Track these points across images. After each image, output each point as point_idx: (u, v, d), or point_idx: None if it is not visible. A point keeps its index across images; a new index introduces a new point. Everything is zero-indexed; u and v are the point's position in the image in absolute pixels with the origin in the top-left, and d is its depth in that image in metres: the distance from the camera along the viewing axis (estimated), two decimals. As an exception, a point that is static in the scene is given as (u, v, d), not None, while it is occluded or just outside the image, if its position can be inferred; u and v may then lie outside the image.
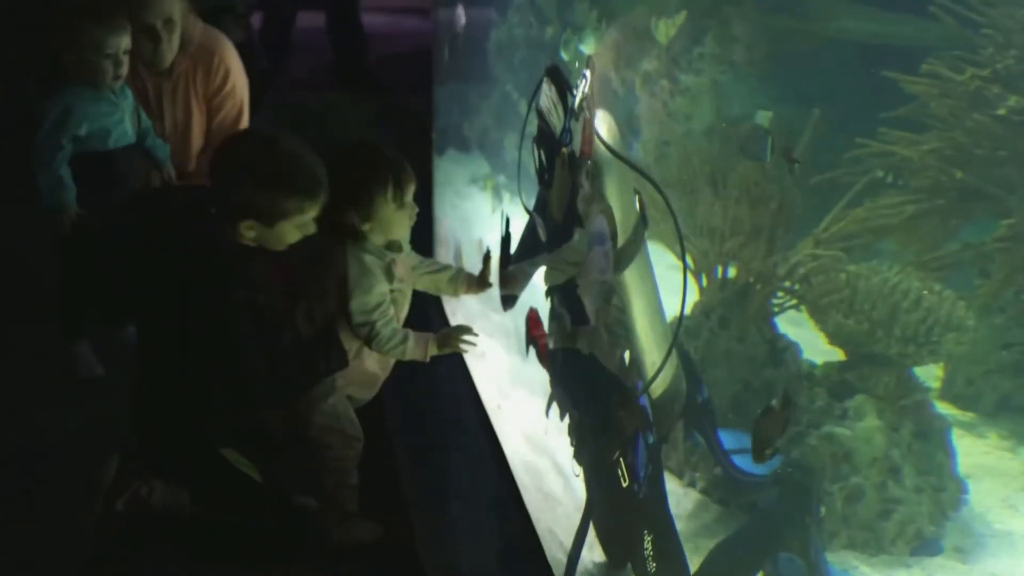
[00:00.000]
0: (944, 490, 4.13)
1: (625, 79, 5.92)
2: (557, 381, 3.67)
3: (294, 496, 3.69)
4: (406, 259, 3.46)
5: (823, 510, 3.90)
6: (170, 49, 4.40)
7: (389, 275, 3.32)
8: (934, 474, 4.15)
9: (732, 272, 4.57)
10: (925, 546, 4.08)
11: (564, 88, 3.33)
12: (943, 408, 4.52)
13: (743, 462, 4.26)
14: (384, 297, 3.32)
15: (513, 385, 5.11)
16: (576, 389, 3.60)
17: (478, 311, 5.47)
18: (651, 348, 3.44)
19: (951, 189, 4.54)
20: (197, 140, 4.66)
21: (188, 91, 4.56)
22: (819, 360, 4.48)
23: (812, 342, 4.50)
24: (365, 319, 3.29)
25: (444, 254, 6.12)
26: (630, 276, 3.35)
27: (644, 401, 3.47)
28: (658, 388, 3.52)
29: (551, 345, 3.64)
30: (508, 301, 3.67)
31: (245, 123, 4.80)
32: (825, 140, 4.53)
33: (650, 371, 3.45)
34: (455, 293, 3.67)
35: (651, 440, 3.45)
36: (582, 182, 3.28)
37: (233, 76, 4.66)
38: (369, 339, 3.33)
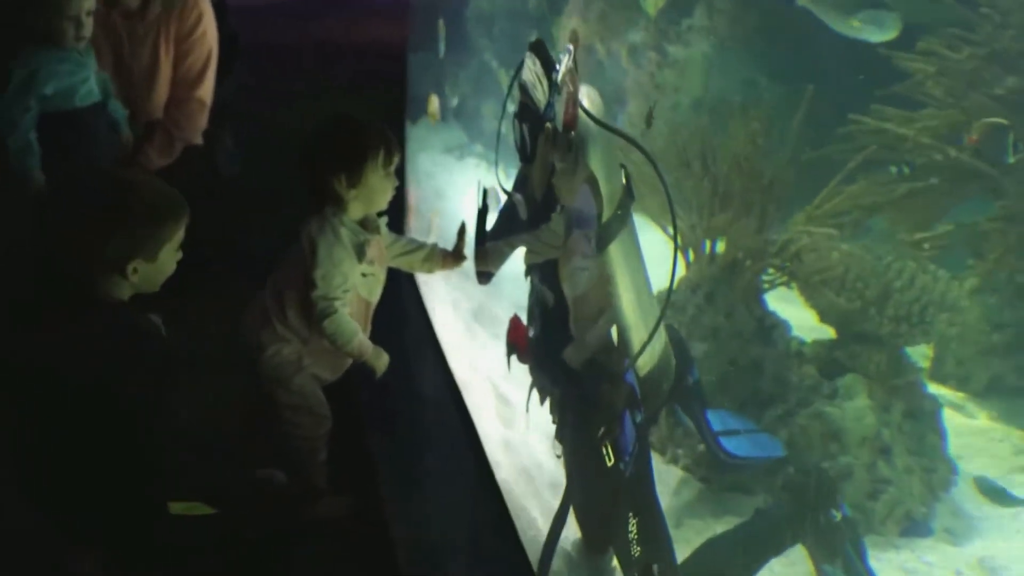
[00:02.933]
0: (935, 471, 4.10)
1: (611, 50, 5.83)
2: (538, 364, 3.59)
3: (259, 470, 3.60)
4: (381, 239, 3.38)
5: (848, 508, 3.81)
6: None
7: (360, 253, 3.24)
8: (925, 455, 4.12)
9: (720, 247, 4.50)
10: (915, 527, 4.05)
11: (549, 63, 3.26)
12: (933, 388, 4.48)
13: (731, 444, 4.23)
14: (349, 277, 3.23)
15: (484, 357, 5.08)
16: (559, 366, 3.52)
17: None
18: (637, 324, 3.35)
19: (945, 168, 4.50)
20: (163, 88, 4.52)
21: (159, 35, 4.43)
22: (808, 338, 4.43)
23: (802, 320, 4.46)
24: (325, 291, 3.20)
25: (414, 223, 6.01)
26: (616, 250, 3.26)
27: (631, 378, 3.42)
28: (646, 365, 3.43)
29: (532, 331, 3.57)
30: (484, 276, 3.60)
31: (211, 79, 4.65)
32: (816, 116, 4.49)
33: (637, 347, 3.38)
34: (430, 270, 3.59)
35: (639, 418, 3.40)
36: (561, 154, 3.20)
37: (205, 22, 4.53)
38: (323, 316, 3.23)
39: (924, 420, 4.18)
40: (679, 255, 5.03)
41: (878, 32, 4.14)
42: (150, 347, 2.92)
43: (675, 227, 3.57)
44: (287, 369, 3.35)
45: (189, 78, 4.53)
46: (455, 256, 3.52)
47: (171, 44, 4.48)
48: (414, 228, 5.82)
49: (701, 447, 4.36)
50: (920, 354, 4.62)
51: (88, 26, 4.03)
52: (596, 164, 3.13)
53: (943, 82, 4.43)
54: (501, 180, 3.72)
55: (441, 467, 4.25)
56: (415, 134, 7.22)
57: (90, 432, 2.85)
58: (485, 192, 3.64)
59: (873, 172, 4.56)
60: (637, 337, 3.31)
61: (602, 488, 3.37)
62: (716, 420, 4.18)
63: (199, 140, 4.64)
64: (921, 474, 4.07)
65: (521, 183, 3.57)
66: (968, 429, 4.58)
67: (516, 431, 4.60)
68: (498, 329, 5.30)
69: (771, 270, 4.36)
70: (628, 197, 3.22)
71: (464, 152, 9.11)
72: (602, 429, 3.29)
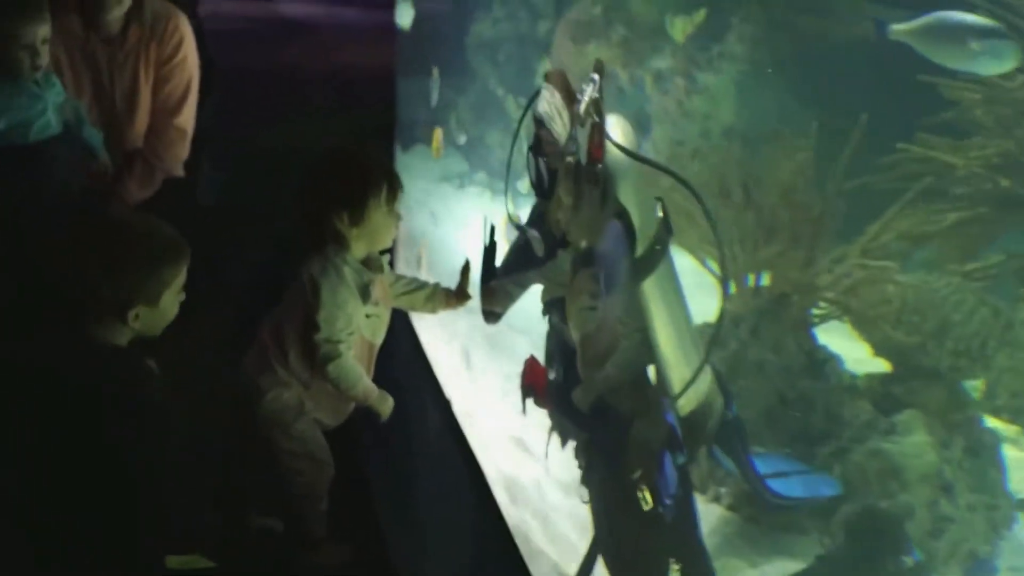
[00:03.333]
0: (997, 508, 3.99)
1: (634, 77, 5.75)
2: (561, 408, 3.44)
3: (256, 518, 3.46)
4: (384, 278, 3.26)
5: (918, 552, 3.70)
6: (119, 6, 4.17)
7: (365, 294, 3.13)
8: (986, 491, 4.01)
9: (765, 280, 4.40)
10: (979, 567, 3.94)
11: (570, 93, 3.15)
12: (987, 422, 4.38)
13: (780, 485, 4.11)
14: (353, 319, 3.11)
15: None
16: (567, 401, 3.40)
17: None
18: (678, 362, 3.23)
19: (994, 197, 4.42)
20: (143, 116, 4.39)
21: (139, 60, 4.30)
22: (861, 372, 4.33)
23: (854, 354, 4.35)
24: (329, 335, 3.07)
25: (402, 252, 5.88)
26: (651, 286, 3.16)
27: (671, 418, 3.31)
28: (688, 404, 3.31)
29: (552, 374, 3.43)
30: (491, 316, 3.47)
31: (191, 107, 4.51)
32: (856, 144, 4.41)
33: (677, 385, 3.26)
34: (432, 311, 3.45)
35: (680, 460, 3.26)
36: (586, 189, 3.09)
37: (185, 47, 4.40)
38: (327, 360, 3.10)
39: (984, 455, 4.08)
40: (717, 287, 5.02)
41: (996, 64, 3.98)
42: (147, 397, 2.81)
43: (723, 262, 3.48)
44: (288, 414, 3.24)
45: (169, 105, 4.41)
46: (459, 296, 3.39)
47: (151, 70, 4.36)
48: (401, 258, 5.67)
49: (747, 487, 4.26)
50: (970, 387, 4.52)
51: (44, 55, 3.88)
52: (627, 198, 3.03)
53: (994, 111, 4.33)
54: (511, 212, 3.59)
55: (447, 513, 4.11)
56: (406, 162, 7.10)
57: (81, 481, 2.72)
58: (493, 229, 3.51)
59: (919, 202, 4.49)
60: (677, 375, 3.20)
61: (638, 534, 3.24)
62: (764, 464, 4.08)
63: (180, 172, 4.50)
64: (984, 511, 3.96)
65: (537, 219, 3.45)
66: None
67: (530, 474, 4.49)
68: (503, 367, 5.25)
69: (823, 304, 4.26)
70: (666, 231, 3.12)
71: (465, 181, 8.95)
72: (638, 472, 3.17)
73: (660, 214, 3.12)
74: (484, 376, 5.34)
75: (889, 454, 4.01)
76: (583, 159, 3.04)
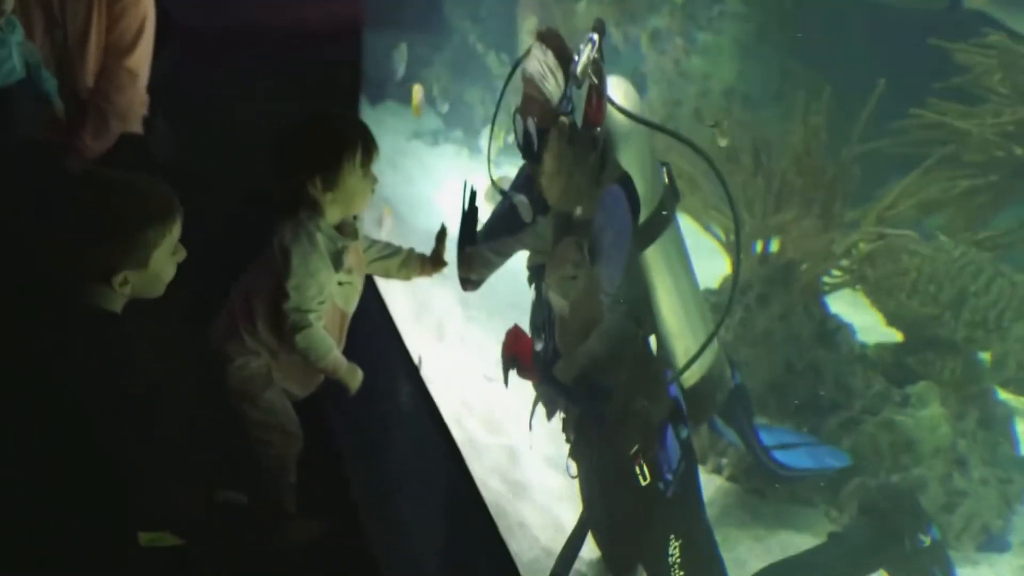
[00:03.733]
0: (1011, 482, 3.93)
1: (628, 35, 5.58)
2: (548, 380, 3.22)
3: (221, 491, 3.30)
4: (358, 244, 3.09)
5: (936, 530, 3.61)
6: None
7: (337, 262, 2.94)
8: (999, 465, 3.96)
9: (774, 247, 4.29)
10: (991, 542, 3.88)
11: (564, 53, 2.99)
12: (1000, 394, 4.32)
13: (786, 456, 4.02)
14: (325, 288, 2.95)
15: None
16: (577, 382, 3.26)
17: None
18: (682, 332, 3.10)
19: (1007, 165, 4.33)
20: (95, 55, 4.15)
21: None
22: (873, 342, 4.23)
23: (866, 323, 4.26)
24: (299, 304, 2.90)
25: (366, 214, 5.69)
26: (656, 253, 3.01)
27: (675, 391, 3.19)
28: (693, 375, 3.17)
29: (539, 344, 3.25)
30: (468, 284, 3.28)
31: (143, 50, 4.26)
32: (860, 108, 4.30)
33: (681, 356, 3.12)
34: (407, 277, 3.21)
35: (684, 434, 3.11)
36: (582, 153, 2.95)
37: None
38: (296, 330, 2.93)
39: (997, 428, 4.01)
40: (724, 253, 4.91)
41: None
42: (124, 365, 2.62)
43: (738, 229, 3.34)
44: (256, 383, 3.04)
45: (121, 45, 4.14)
46: (434, 262, 3.18)
47: (104, 3, 4.11)
48: (364, 219, 5.46)
49: (750, 458, 4.16)
50: (984, 359, 4.45)
51: (10, 1, 3.66)
52: (630, 162, 2.88)
53: (1010, 77, 4.23)
54: (494, 176, 3.41)
55: (420, 487, 3.94)
56: (376, 118, 6.88)
57: (58, 452, 2.56)
58: (473, 192, 3.33)
59: (931, 169, 4.39)
60: (681, 346, 3.07)
61: (633, 509, 3.10)
62: (770, 436, 3.97)
63: (136, 127, 4.26)
64: (997, 485, 3.90)
65: (523, 182, 3.28)
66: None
67: (507, 446, 4.38)
68: (478, 335, 5.15)
69: (836, 272, 4.15)
70: (672, 196, 2.99)
71: (439, 138, 8.77)
72: (635, 447, 3.04)
73: (666, 179, 3.00)
74: (460, 344, 5.24)
75: (902, 426, 3.93)
76: (579, 121, 2.91)
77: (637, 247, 2.92)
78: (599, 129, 2.85)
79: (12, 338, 2.59)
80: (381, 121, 7.07)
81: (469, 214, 3.26)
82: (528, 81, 2.94)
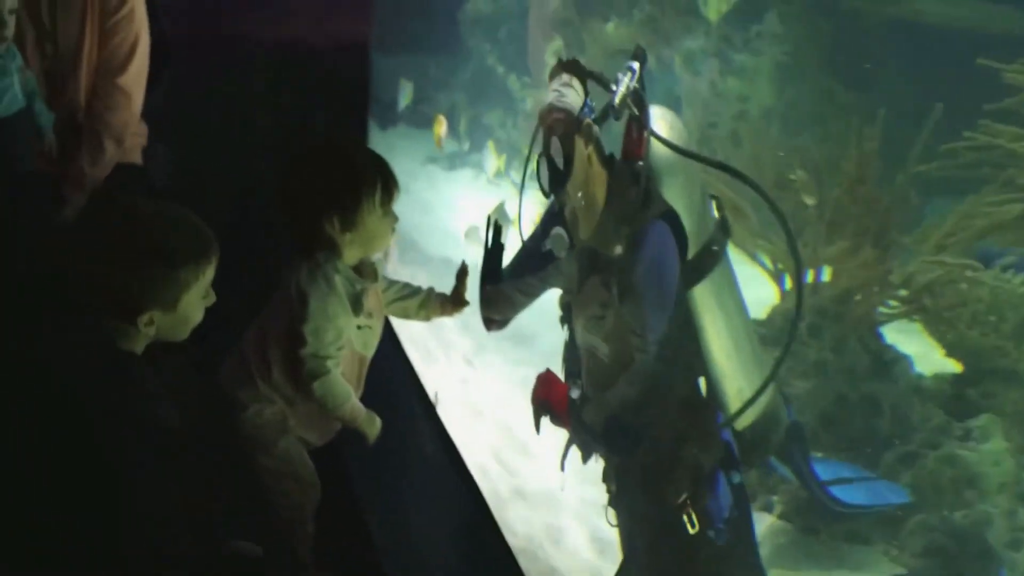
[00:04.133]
0: (1075, 518, 3.81)
1: (661, 57, 5.48)
2: (586, 427, 3.03)
3: (232, 542, 3.16)
4: (377, 286, 2.96)
5: (1007, 572, 3.49)
6: None
7: (357, 306, 2.79)
8: (1063, 500, 3.84)
9: (826, 276, 4.18)
10: (1058, 580, 3.76)
11: (577, 68, 2.87)
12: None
13: (843, 492, 3.90)
14: (344, 332, 2.81)
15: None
16: (621, 430, 3.10)
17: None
18: (734, 373, 2.97)
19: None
20: (87, 74, 4.04)
21: (84, 8, 3.95)
22: (931, 374, 4.12)
23: (921, 355, 4.14)
24: (316, 350, 2.75)
25: None
26: (704, 292, 2.90)
27: (727, 435, 3.03)
28: (747, 417, 3.03)
29: (575, 391, 3.01)
30: (490, 324, 3.17)
31: (137, 68, 4.14)
32: (905, 131, 4.20)
33: (734, 398, 2.99)
34: (426, 318, 3.05)
35: (736, 479, 2.99)
36: (624, 187, 2.83)
37: (132, 1, 4.07)
38: (313, 377, 2.79)
39: (1060, 462, 3.90)
40: (772, 283, 4.79)
41: None
42: (140, 408, 2.48)
43: (798, 263, 3.17)
44: (270, 432, 2.88)
45: (114, 63, 4.00)
46: (455, 302, 3.00)
47: (96, 19, 3.99)
48: None
49: (803, 494, 4.04)
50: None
51: (10, 26, 3.55)
52: (676, 197, 2.76)
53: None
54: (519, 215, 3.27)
55: (443, 535, 3.81)
56: (386, 141, 6.73)
57: (68, 485, 2.43)
58: (498, 227, 3.19)
59: (985, 193, 4.29)
60: (733, 387, 2.95)
61: (680, 558, 2.98)
62: (825, 471, 3.85)
63: (135, 156, 4.14)
64: (1063, 521, 3.79)
65: (551, 217, 3.15)
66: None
67: (536, 491, 4.29)
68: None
69: (893, 302, 4.03)
70: (722, 231, 2.87)
71: (455, 163, 8.71)
72: (684, 495, 2.92)
73: (716, 213, 2.89)
74: (483, 384, 5.15)
75: (965, 461, 3.81)
76: (618, 155, 2.78)
77: (685, 285, 2.80)
78: (641, 163, 2.73)
79: (25, 369, 2.46)
80: (393, 145, 6.93)
81: (493, 250, 3.12)
82: (547, 112, 2.81)
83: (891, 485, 4.03)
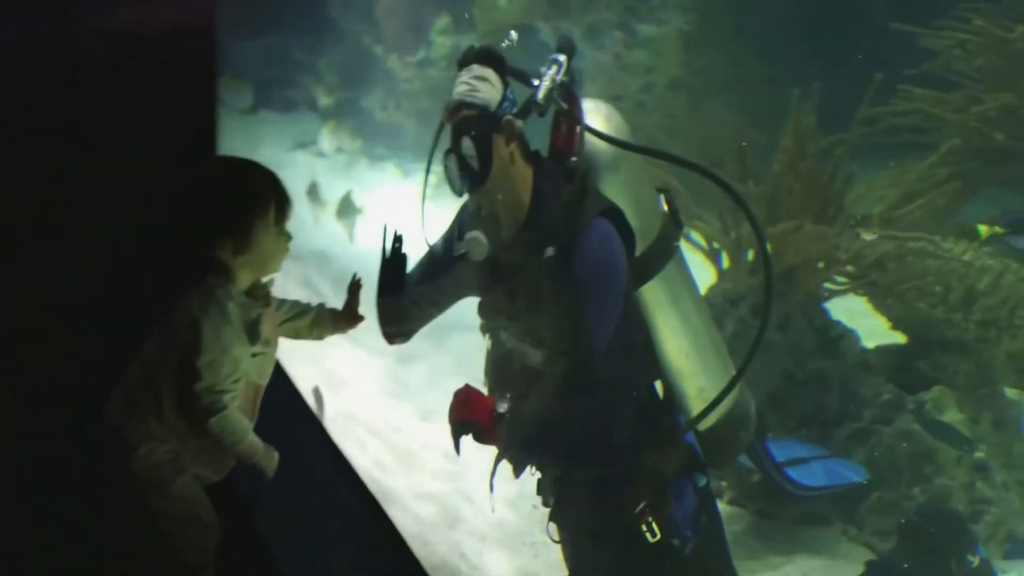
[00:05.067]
0: (1030, 484, 3.85)
1: (559, 30, 5.26)
2: (522, 441, 2.72)
3: None
4: (271, 311, 2.73)
5: (983, 549, 3.46)
6: None
7: (253, 334, 2.58)
8: (1017, 467, 3.87)
9: (766, 255, 4.07)
10: (1017, 547, 3.78)
11: (492, 57, 2.68)
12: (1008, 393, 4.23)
13: (800, 474, 3.82)
14: (239, 364, 2.59)
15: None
16: (552, 435, 2.92)
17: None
18: (693, 372, 2.77)
19: (983, 152, 4.23)
20: None
21: None
22: (875, 347, 4.08)
23: (866, 328, 4.10)
24: (212, 384, 2.53)
25: None
26: (655, 289, 2.73)
27: (690, 437, 2.82)
28: (712, 418, 2.79)
29: (503, 404, 2.88)
30: (394, 337, 2.92)
31: None
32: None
33: (695, 399, 2.78)
34: (320, 337, 2.82)
35: (702, 483, 2.80)
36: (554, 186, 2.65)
37: None
38: (209, 414, 2.57)
39: (1008, 429, 3.92)
40: (707, 264, 4.66)
41: None
42: None
43: (764, 249, 3.03)
44: (164, 471, 2.67)
45: None
46: (349, 318, 2.82)
47: None
48: None
49: (755, 479, 3.95)
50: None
51: None
52: (618, 192, 2.59)
53: (991, 61, 4.11)
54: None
55: (353, 562, 3.61)
56: (241, 130, 6.33)
57: None
58: (397, 237, 2.94)
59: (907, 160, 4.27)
60: (694, 387, 2.79)
61: (641, 570, 2.85)
62: (780, 451, 3.78)
63: None
64: (1018, 489, 3.82)
65: (467, 218, 2.93)
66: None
67: (450, 508, 4.18)
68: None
69: (840, 278, 3.95)
70: (674, 226, 2.69)
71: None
72: (641, 504, 2.77)
73: (664, 207, 2.72)
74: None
75: (920, 435, 3.78)
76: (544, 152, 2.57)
77: (634, 283, 2.62)
78: (575, 159, 2.54)
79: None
80: (256, 132, 6.52)
81: (392, 260, 2.87)
82: (456, 108, 2.58)
83: (847, 463, 3.97)
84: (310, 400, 4.31)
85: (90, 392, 2.81)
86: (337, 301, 2.76)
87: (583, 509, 2.79)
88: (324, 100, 7.48)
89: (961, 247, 3.89)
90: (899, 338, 4.04)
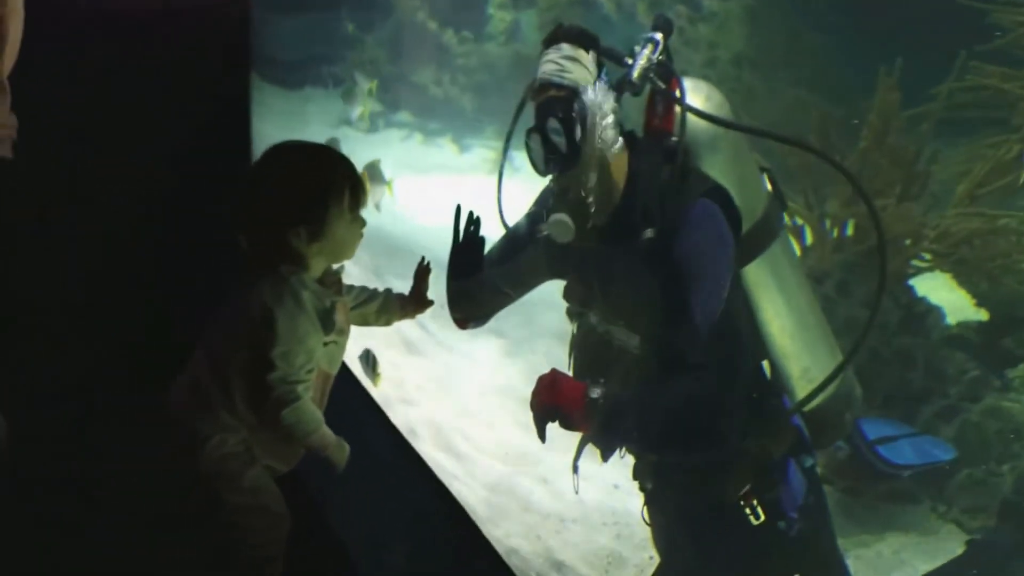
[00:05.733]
0: (1118, 461, 3.87)
1: (622, 4, 5.18)
2: (617, 428, 2.63)
3: None
4: (345, 299, 2.69)
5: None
6: None
7: (327, 322, 2.53)
8: (1104, 445, 3.88)
9: (849, 231, 4.06)
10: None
11: (584, 38, 2.64)
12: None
13: (890, 452, 3.83)
14: (313, 354, 2.55)
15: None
16: (656, 424, 2.88)
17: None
18: (798, 352, 2.77)
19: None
20: None
21: None
22: (960, 325, 4.08)
23: (951, 305, 4.10)
24: (285, 374, 2.48)
25: None
26: (759, 270, 2.71)
27: (796, 419, 2.80)
28: (818, 398, 2.75)
29: (596, 390, 2.56)
30: (466, 323, 2.94)
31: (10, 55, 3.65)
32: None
33: (800, 379, 2.78)
34: (387, 323, 2.81)
35: (808, 463, 2.80)
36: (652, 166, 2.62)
37: None
38: (282, 405, 2.52)
39: (1094, 406, 3.94)
40: (795, 241, 4.61)
41: None
42: None
43: (880, 232, 2.95)
44: (236, 463, 2.63)
45: None
46: (418, 302, 2.77)
47: None
48: None
49: (841, 453, 3.95)
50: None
51: None
52: (721, 172, 2.57)
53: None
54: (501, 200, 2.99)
55: (426, 555, 3.55)
56: (290, 107, 6.20)
57: None
58: (474, 219, 2.88)
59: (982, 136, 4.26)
60: (798, 367, 2.77)
61: (744, 554, 2.77)
62: (871, 429, 3.77)
63: (5, 150, 3.61)
64: (1106, 465, 3.84)
65: (551, 200, 2.89)
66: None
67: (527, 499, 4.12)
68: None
69: (927, 255, 3.95)
70: (777, 204, 2.68)
71: (378, 123, 8.16)
72: (746, 487, 2.76)
73: (768, 186, 2.70)
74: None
75: (1010, 412, 3.79)
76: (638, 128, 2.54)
77: (739, 264, 2.60)
78: (675, 139, 2.51)
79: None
80: (301, 111, 6.40)
81: (466, 243, 2.83)
82: (542, 88, 2.53)
83: (935, 440, 3.97)
84: (357, 368, 4.23)
85: (90, 392, 2.79)
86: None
87: (684, 493, 2.78)
88: (362, 78, 7.39)
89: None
90: (983, 315, 4.04)
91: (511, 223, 2.84)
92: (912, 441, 3.97)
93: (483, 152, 7.35)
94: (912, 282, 4.09)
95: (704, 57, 5.08)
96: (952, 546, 3.78)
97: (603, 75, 2.50)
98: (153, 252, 3.82)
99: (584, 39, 2.50)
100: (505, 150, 2.86)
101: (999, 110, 4.36)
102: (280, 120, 5.85)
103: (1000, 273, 3.84)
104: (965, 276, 3.97)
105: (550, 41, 2.54)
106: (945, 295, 4.13)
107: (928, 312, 4.06)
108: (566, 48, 2.52)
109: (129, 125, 4.05)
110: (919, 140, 3.95)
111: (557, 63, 2.53)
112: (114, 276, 3.67)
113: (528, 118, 2.58)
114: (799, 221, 4.20)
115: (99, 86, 4.53)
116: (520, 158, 2.59)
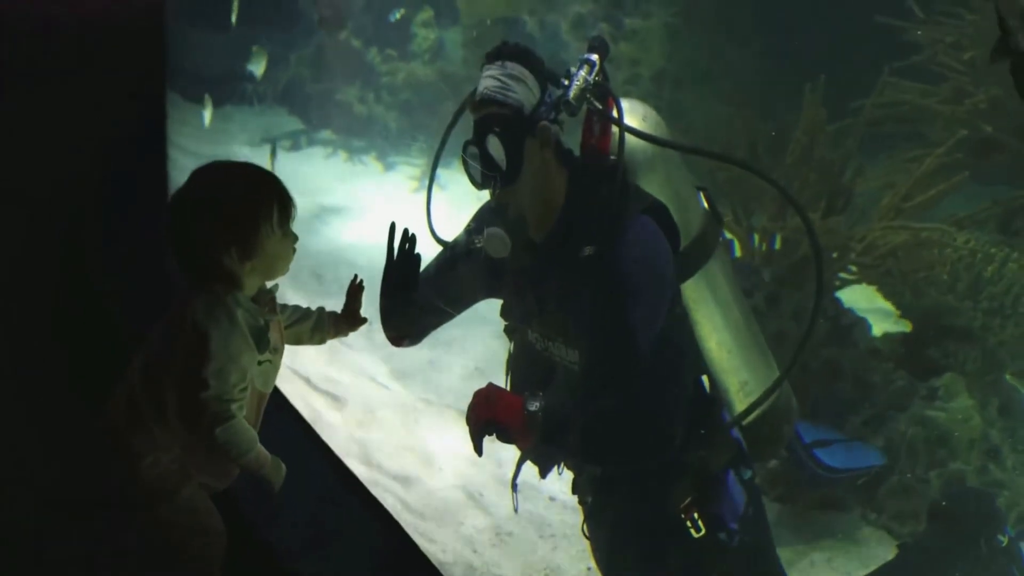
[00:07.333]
0: (1040, 467, 3.99)
1: (545, 23, 5.20)
2: (555, 441, 2.62)
3: None
4: (279, 318, 2.69)
5: (1011, 528, 3.57)
6: None
7: (261, 341, 2.54)
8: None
9: (778, 245, 4.13)
10: (1027, 530, 3.93)
11: (531, 59, 2.68)
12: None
13: (826, 456, 3.89)
14: (247, 373, 2.55)
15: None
16: (597, 436, 2.69)
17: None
18: (736, 367, 2.83)
19: (969, 142, 4.36)
20: None
21: None
22: (879, 332, 4.18)
23: (874, 317, 4.19)
24: (219, 392, 2.47)
25: None
26: (696, 285, 2.74)
27: (735, 432, 2.83)
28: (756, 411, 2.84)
29: (534, 403, 2.54)
30: (401, 341, 2.93)
31: None
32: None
33: (737, 393, 2.83)
34: (321, 341, 2.78)
35: (747, 475, 2.82)
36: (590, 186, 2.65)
37: None
38: (216, 424, 2.51)
39: (1015, 413, 4.06)
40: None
41: None
42: None
43: (817, 248, 2.98)
44: (171, 480, 2.62)
45: None
46: (351, 321, 2.76)
47: None
48: None
49: (773, 464, 4.01)
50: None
51: None
52: (657, 190, 2.60)
53: (979, 54, 4.25)
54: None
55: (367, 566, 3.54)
56: (187, 119, 6.09)
57: None
58: (410, 236, 2.87)
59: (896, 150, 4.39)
60: (735, 382, 2.84)
61: (685, 566, 2.79)
62: (807, 433, 3.84)
63: None
64: (1026, 471, 3.96)
65: (488, 217, 2.91)
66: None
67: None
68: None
69: (853, 267, 4.03)
70: (714, 221, 2.73)
71: (301, 141, 8.08)
72: (687, 500, 2.80)
73: (704, 204, 2.74)
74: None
75: (936, 421, 3.89)
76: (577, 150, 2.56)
77: (678, 279, 2.62)
78: (613, 158, 2.54)
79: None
80: (223, 129, 6.30)
81: (401, 260, 2.81)
82: (482, 102, 2.55)
83: (865, 447, 4.07)
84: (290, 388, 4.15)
85: (90, 392, 2.71)
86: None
87: (625, 506, 2.79)
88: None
89: (963, 236, 4.01)
90: (908, 326, 4.14)
91: (443, 237, 2.82)
92: (844, 446, 4.06)
93: (408, 169, 7.34)
94: (839, 294, 4.18)
95: (626, 75, 5.13)
96: (883, 552, 3.86)
97: (548, 98, 2.51)
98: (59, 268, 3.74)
99: (529, 59, 2.49)
100: (434, 166, 2.85)
101: (918, 124, 4.50)
102: (203, 136, 5.77)
103: (924, 285, 3.94)
104: (890, 288, 4.06)
105: (493, 57, 2.54)
106: (871, 306, 4.23)
107: (855, 323, 4.13)
108: (510, 66, 2.51)
109: (36, 136, 3.93)
110: (844, 154, 4.03)
111: (500, 80, 2.51)
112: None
113: (461, 131, 2.60)
114: (727, 235, 4.25)
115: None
116: (446, 176, 2.58)
